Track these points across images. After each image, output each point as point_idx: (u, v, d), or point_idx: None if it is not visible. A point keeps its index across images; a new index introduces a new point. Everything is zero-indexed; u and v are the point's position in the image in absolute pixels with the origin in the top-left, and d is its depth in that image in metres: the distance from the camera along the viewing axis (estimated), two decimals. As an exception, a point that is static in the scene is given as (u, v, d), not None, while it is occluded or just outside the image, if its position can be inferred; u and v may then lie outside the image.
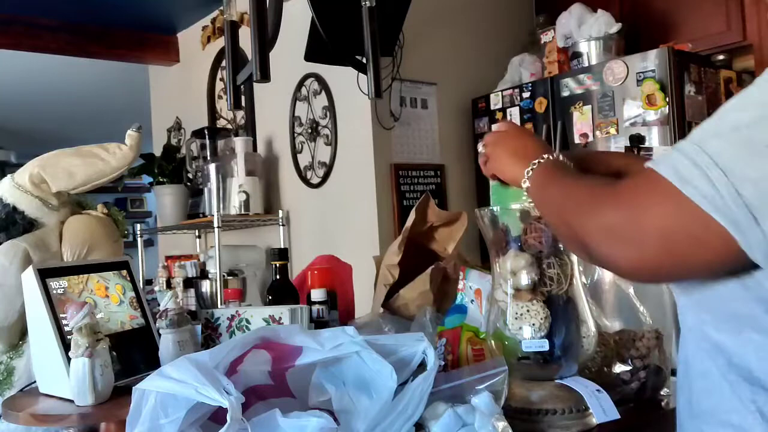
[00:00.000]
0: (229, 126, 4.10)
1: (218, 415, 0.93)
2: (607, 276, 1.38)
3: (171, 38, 4.53)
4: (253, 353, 1.03)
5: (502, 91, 3.34)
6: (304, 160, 3.55)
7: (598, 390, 1.11)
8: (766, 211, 0.64)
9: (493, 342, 1.17)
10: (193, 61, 4.40)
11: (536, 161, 0.95)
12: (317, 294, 1.64)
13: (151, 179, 4.11)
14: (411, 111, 3.34)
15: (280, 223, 3.61)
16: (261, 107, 3.84)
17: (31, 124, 6.65)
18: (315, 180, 3.47)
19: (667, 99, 2.73)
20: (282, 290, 1.71)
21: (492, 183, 1.13)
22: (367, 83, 1.72)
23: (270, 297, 1.72)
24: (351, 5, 1.78)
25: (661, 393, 1.28)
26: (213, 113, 4.24)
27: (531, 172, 0.95)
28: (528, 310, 1.10)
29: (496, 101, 3.36)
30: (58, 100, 5.90)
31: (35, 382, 1.40)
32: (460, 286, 1.49)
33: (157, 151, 4.21)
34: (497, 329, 1.15)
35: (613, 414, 1.08)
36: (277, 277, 1.72)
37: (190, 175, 3.91)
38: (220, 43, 4.00)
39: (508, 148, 1.03)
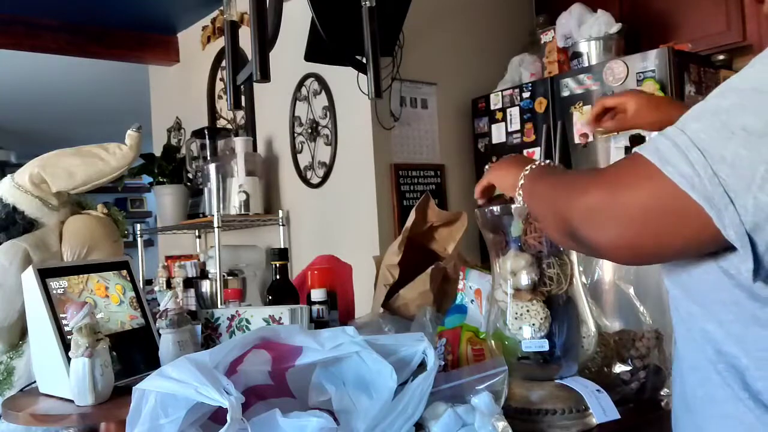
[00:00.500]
0: (229, 126, 4.10)
1: (218, 415, 0.93)
2: (607, 276, 1.38)
3: (171, 38, 4.53)
4: (253, 353, 1.03)
5: (502, 91, 3.34)
6: (304, 160, 3.55)
7: (598, 390, 1.11)
8: (741, 191, 0.66)
9: (493, 342, 1.17)
10: (193, 61, 4.39)
11: (528, 167, 1.01)
12: (317, 294, 1.64)
13: (151, 179, 4.11)
14: (411, 111, 3.34)
15: (280, 223, 3.61)
16: (261, 107, 3.84)
17: (31, 124, 6.65)
18: (315, 180, 3.47)
19: (667, 99, 2.73)
20: (282, 290, 1.71)
21: None
22: (367, 83, 1.72)
23: (270, 297, 1.72)
24: (351, 5, 1.78)
25: (661, 393, 1.28)
26: (213, 113, 4.24)
27: (523, 178, 1.00)
28: (528, 310, 1.10)
29: (496, 101, 3.35)
30: (58, 100, 5.89)
31: (35, 382, 1.40)
32: (460, 286, 1.48)
33: (157, 151, 4.22)
34: (497, 329, 1.15)
35: (613, 414, 1.08)
36: (277, 277, 1.72)
37: (190, 175, 3.92)
38: (220, 43, 4.00)
39: (504, 164, 1.11)
